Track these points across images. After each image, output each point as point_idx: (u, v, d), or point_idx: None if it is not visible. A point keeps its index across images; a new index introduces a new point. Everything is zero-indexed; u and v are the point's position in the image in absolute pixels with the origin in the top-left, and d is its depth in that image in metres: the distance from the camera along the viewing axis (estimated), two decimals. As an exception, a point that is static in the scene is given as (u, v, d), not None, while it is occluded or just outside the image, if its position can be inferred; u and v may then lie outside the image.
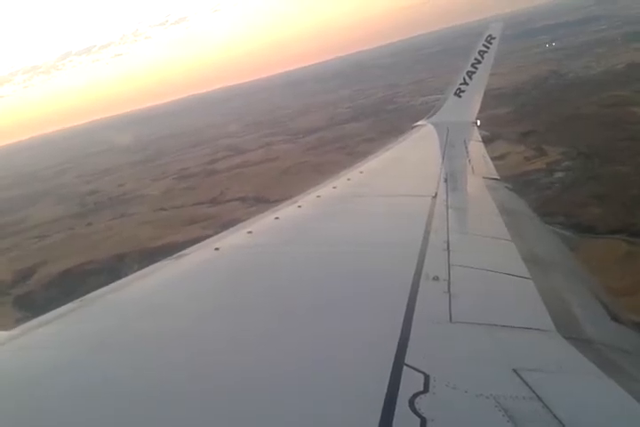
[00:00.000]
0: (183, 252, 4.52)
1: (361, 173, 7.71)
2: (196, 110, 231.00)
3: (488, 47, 12.19)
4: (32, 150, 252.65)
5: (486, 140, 36.77)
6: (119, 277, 4.10)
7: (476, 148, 9.92)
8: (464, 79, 12.34)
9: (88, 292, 3.77)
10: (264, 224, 5.29)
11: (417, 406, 1.97)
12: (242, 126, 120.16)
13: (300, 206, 5.81)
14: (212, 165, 78.45)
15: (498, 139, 47.59)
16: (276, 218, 5.33)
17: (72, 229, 58.65)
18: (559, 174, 36.99)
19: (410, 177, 7.71)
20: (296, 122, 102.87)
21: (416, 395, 2.04)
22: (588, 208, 29.81)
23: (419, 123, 12.26)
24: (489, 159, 9.07)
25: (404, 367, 2.26)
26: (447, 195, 6.04)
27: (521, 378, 2.24)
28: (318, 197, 6.25)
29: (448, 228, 4.70)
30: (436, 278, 3.42)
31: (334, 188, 6.71)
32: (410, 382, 2.13)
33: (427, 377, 2.17)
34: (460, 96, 12.37)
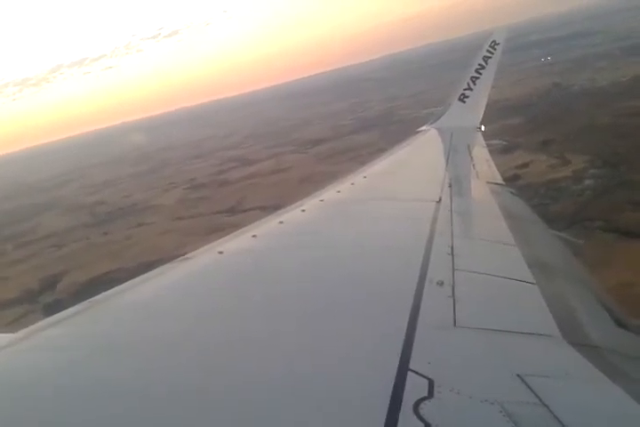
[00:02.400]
0: (187, 255, 4.52)
1: (365, 177, 7.69)
2: (188, 123, 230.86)
3: (492, 53, 12.28)
4: (26, 162, 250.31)
5: (506, 150, 37.26)
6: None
7: (481, 153, 9.96)
8: (468, 84, 12.44)
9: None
10: (268, 228, 5.30)
11: (421, 412, 1.97)
12: (241, 138, 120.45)
13: (303, 210, 5.78)
14: (221, 176, 78.48)
15: (518, 148, 48.54)
16: (280, 222, 5.33)
17: (88, 238, 58.14)
18: (588, 182, 37.48)
19: (414, 182, 7.73)
20: (299, 134, 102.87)
21: (420, 400, 2.04)
22: (625, 213, 30.39)
23: (423, 128, 12.35)
24: (493, 164, 9.12)
25: (409, 373, 2.27)
26: (451, 199, 6.06)
27: (526, 384, 2.25)
28: (322, 201, 6.24)
29: (452, 232, 4.74)
30: (440, 283, 3.42)
31: (338, 192, 6.69)
32: (414, 388, 2.14)
33: (431, 382, 2.18)
34: (463, 101, 12.46)
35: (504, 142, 51.88)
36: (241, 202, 57.56)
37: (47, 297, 41.30)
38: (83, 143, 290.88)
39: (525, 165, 43.52)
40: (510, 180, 40.79)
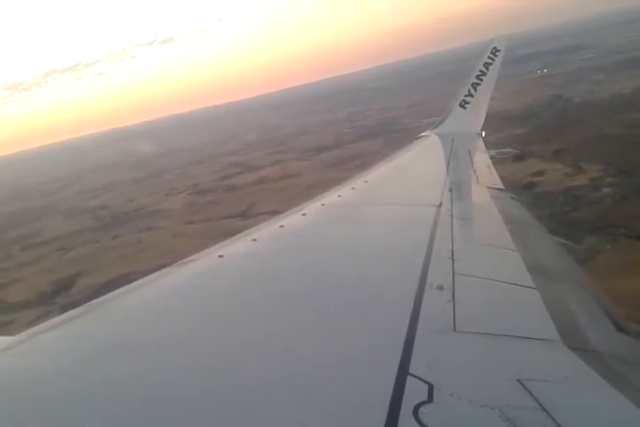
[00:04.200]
0: (187, 259, 4.52)
1: (366, 181, 7.69)
2: (183, 129, 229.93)
3: (493, 59, 12.26)
4: (17, 166, 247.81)
5: (519, 158, 37.95)
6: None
7: (481, 158, 10.00)
8: (469, 91, 12.41)
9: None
10: (268, 232, 5.28)
11: (421, 416, 1.98)
12: (239, 145, 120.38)
13: (304, 214, 5.76)
14: (226, 181, 78.35)
15: (530, 156, 49.35)
16: (281, 226, 5.32)
17: (97, 241, 57.94)
18: (606, 190, 38.16)
19: (414, 186, 7.78)
20: (299, 141, 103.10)
21: (420, 405, 2.05)
22: (649, 221, 31.05)
23: (423, 133, 12.28)
24: (494, 169, 9.12)
25: (408, 377, 2.27)
26: (452, 204, 6.07)
27: (525, 388, 2.26)
28: (323, 205, 6.23)
29: (452, 237, 4.75)
30: (440, 287, 3.43)
31: (339, 196, 6.71)
32: (414, 392, 2.14)
33: (431, 387, 2.18)
34: (464, 108, 12.43)
35: (516, 151, 52.94)
36: (251, 207, 57.33)
37: (63, 299, 41.04)
38: (75, 148, 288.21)
39: (540, 173, 44.23)
40: (527, 187, 41.46)
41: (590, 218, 33.46)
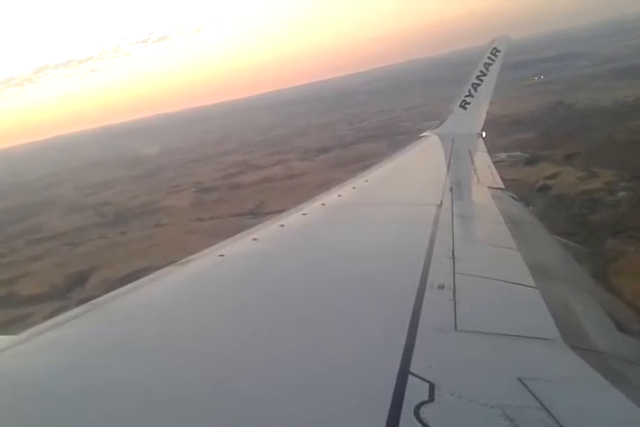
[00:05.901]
0: (188, 258, 4.57)
1: (366, 181, 7.76)
2: (176, 128, 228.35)
3: (493, 60, 12.38)
4: (8, 162, 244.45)
5: (530, 161, 38.41)
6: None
7: (482, 158, 10.16)
8: (469, 91, 12.53)
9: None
10: (269, 231, 5.34)
11: (422, 416, 1.99)
12: (237, 144, 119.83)
13: (304, 214, 5.84)
14: (229, 180, 78.09)
15: (542, 160, 49.94)
16: (281, 225, 5.41)
17: (105, 237, 57.60)
18: (622, 193, 38.64)
19: (415, 186, 7.86)
20: (298, 142, 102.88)
21: (421, 404, 2.06)
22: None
23: (424, 134, 12.48)
24: (494, 169, 9.27)
25: (409, 376, 2.28)
26: (452, 203, 6.12)
27: (526, 387, 2.27)
28: (323, 204, 6.32)
29: (453, 236, 4.78)
30: (441, 287, 3.45)
31: (339, 196, 6.80)
32: (415, 391, 2.16)
33: (432, 386, 2.20)
34: (465, 108, 12.57)
35: (526, 155, 53.52)
36: (260, 205, 57.16)
37: (78, 294, 40.58)
38: (67, 145, 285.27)
39: (554, 177, 44.81)
40: (542, 190, 41.93)
41: (609, 221, 33.94)
